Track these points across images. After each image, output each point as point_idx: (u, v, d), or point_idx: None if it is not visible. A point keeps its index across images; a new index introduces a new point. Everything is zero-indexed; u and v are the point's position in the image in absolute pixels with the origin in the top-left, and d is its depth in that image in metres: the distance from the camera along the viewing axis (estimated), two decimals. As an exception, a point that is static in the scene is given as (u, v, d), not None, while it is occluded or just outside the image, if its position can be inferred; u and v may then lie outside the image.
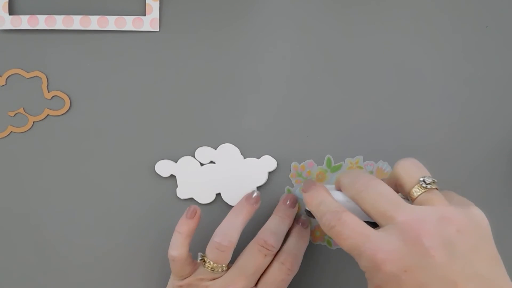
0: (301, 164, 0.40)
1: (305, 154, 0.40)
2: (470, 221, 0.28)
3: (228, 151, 0.40)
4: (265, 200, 0.40)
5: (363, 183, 0.30)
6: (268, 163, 0.40)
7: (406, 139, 0.40)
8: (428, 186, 0.30)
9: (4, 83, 0.41)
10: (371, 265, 0.28)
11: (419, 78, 0.40)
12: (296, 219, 0.39)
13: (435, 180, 0.30)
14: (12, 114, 0.41)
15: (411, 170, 0.31)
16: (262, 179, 0.40)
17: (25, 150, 0.41)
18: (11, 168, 0.41)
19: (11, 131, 0.41)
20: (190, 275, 0.36)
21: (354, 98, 0.40)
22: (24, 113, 0.41)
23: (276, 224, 0.37)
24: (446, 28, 0.41)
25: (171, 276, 0.38)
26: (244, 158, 0.40)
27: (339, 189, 0.33)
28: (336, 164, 0.40)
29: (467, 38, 0.41)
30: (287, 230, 0.38)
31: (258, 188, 0.40)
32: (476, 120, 0.40)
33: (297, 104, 0.41)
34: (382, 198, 0.29)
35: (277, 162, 0.40)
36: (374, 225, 0.29)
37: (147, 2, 0.40)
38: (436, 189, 0.30)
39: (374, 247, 0.28)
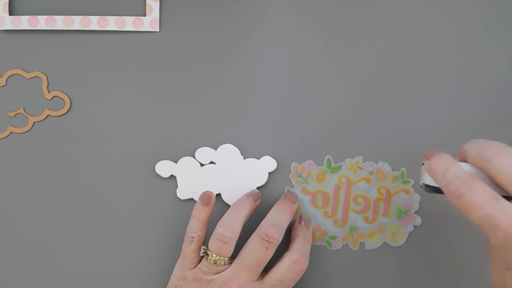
0: (301, 164, 0.40)
1: (305, 155, 0.40)
2: None
3: (228, 152, 0.40)
4: (265, 200, 0.40)
5: (495, 151, 0.28)
6: (268, 163, 0.40)
7: (406, 139, 0.40)
8: None
9: (4, 84, 0.41)
10: (507, 241, 0.25)
11: (418, 79, 0.40)
12: (299, 220, 0.39)
13: None
14: (12, 114, 0.41)
15: None
16: (262, 179, 0.40)
17: (25, 151, 0.41)
18: (11, 168, 0.41)
19: (11, 131, 0.41)
20: (196, 266, 0.36)
21: (353, 99, 0.40)
22: (24, 113, 0.41)
23: (277, 216, 0.37)
24: (446, 28, 0.40)
25: (176, 268, 0.37)
26: (244, 158, 0.40)
27: (463, 160, 0.30)
28: (336, 165, 0.40)
29: (466, 38, 0.41)
30: (288, 223, 0.37)
31: (258, 188, 0.40)
32: (476, 120, 0.40)
33: (297, 104, 0.41)
34: None
35: (277, 162, 0.40)
36: (508, 200, 0.27)
37: (147, 2, 0.40)
38: None
39: None
